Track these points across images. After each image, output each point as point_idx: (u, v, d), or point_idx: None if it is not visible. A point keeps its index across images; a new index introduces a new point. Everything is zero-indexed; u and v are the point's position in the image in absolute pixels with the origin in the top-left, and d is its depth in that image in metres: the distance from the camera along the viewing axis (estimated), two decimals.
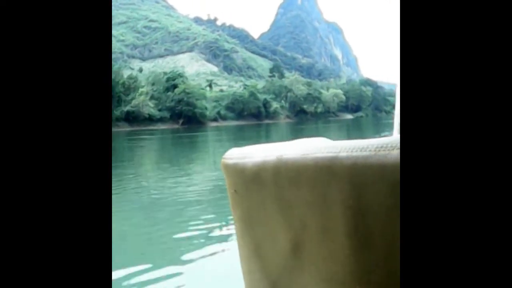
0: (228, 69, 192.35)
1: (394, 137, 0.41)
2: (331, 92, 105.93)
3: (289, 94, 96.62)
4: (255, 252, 0.54)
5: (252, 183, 0.52)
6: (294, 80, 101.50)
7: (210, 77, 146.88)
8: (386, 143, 0.41)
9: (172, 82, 72.95)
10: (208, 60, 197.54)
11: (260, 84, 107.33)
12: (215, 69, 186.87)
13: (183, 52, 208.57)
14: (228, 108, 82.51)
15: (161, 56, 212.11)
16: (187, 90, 69.44)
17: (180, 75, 77.69)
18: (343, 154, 0.43)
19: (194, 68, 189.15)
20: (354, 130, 46.41)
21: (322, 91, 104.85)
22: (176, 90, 69.77)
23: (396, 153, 0.40)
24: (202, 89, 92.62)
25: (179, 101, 68.61)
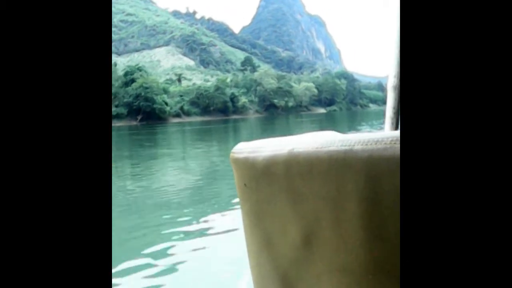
0: (204, 62, 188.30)
1: None
2: (303, 86, 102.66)
3: (258, 88, 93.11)
4: (265, 245, 0.54)
5: (262, 176, 0.52)
6: (263, 73, 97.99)
7: (185, 71, 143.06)
8: None
9: (130, 76, 69.07)
10: (184, 54, 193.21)
11: (235, 77, 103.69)
12: (191, 63, 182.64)
13: (159, 46, 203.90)
14: (193, 103, 78.85)
15: (137, 50, 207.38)
16: (145, 85, 65.62)
17: (139, 69, 73.75)
18: (358, 147, 0.44)
19: (170, 62, 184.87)
20: (326, 125, 43.58)
21: (294, 84, 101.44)
22: (134, 85, 65.95)
23: None
24: (168, 83, 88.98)
25: (137, 96, 64.85)
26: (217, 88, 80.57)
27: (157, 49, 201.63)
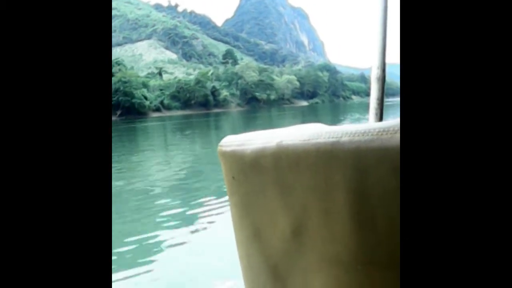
0: (187, 56, 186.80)
1: (395, 121, 0.42)
2: (285, 78, 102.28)
3: (239, 81, 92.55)
4: (254, 237, 0.55)
5: (251, 169, 0.53)
6: (244, 66, 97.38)
7: (167, 65, 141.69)
8: (388, 127, 0.42)
9: None
10: (167, 47, 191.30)
11: (216, 70, 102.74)
12: (174, 56, 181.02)
13: (141, 40, 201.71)
14: (173, 97, 78.08)
15: (119, 44, 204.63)
16: (123, 79, 64.72)
17: (118, 63, 72.69)
18: (345, 139, 0.44)
19: (152, 55, 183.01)
20: (305, 118, 43.21)
21: (275, 77, 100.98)
22: (112, 80, 64.89)
23: (398, 136, 0.40)
24: (149, 77, 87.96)
25: (116, 91, 63.80)
26: (198, 82, 79.85)
27: (139, 43, 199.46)
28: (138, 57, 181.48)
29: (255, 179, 0.52)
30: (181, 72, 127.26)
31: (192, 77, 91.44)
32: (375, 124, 0.43)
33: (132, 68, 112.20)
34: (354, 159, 0.43)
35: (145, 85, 74.37)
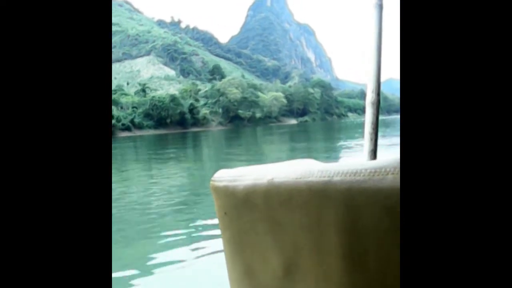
0: (185, 72, 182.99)
1: (387, 161, 0.42)
2: (271, 95, 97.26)
3: (221, 98, 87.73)
4: (246, 275, 0.54)
5: (242, 206, 0.52)
6: (227, 83, 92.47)
7: (162, 81, 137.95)
8: (381, 168, 0.42)
9: None
10: (165, 64, 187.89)
11: (194, 87, 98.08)
12: (172, 72, 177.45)
13: (141, 56, 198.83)
14: (147, 115, 73.45)
15: (118, 60, 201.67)
16: None
17: None
18: (337, 178, 0.44)
19: (150, 72, 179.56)
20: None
21: (261, 94, 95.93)
22: None
23: (391, 177, 0.40)
24: (124, 94, 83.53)
25: None
26: (173, 99, 75.21)
27: (139, 59, 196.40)
28: (136, 73, 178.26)
29: (246, 215, 0.52)
30: (176, 89, 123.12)
31: (165, 94, 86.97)
32: (367, 164, 0.43)
33: (127, 84, 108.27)
34: (346, 199, 0.43)
35: (115, 103, 70.02)
